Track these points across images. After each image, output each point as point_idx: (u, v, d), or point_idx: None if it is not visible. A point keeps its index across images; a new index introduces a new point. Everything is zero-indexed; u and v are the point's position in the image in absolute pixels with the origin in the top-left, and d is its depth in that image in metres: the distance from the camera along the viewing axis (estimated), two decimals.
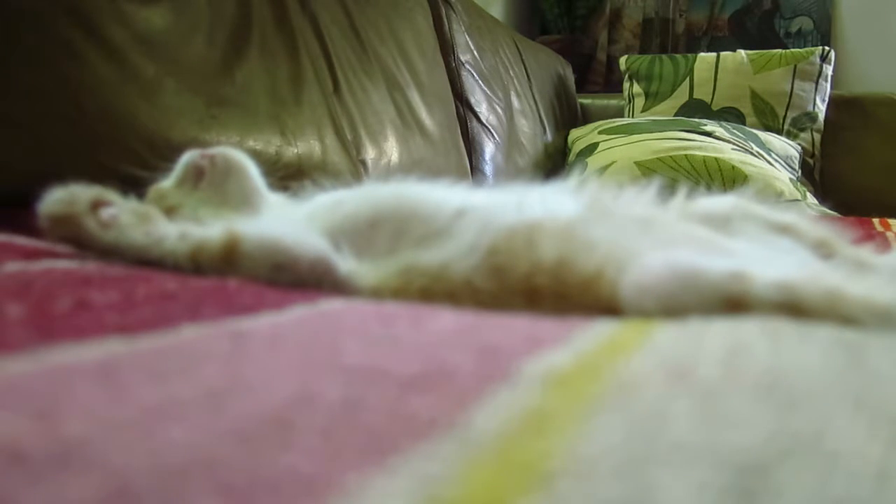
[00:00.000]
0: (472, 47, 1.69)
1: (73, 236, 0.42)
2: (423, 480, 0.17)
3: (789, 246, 0.48)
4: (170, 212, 0.48)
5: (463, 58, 1.64)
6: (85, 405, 0.20)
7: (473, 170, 1.55)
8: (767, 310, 0.34)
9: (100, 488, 0.16)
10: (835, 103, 2.06)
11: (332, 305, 0.36)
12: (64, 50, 0.69)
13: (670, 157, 1.64)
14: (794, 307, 0.34)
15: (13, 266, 0.39)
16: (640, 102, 2.16)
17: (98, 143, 0.70)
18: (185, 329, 0.29)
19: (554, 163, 1.92)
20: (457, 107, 1.56)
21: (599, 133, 1.86)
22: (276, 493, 0.16)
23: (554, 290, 0.39)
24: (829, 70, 2.04)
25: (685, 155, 1.63)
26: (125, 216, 0.42)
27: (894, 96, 2.07)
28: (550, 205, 0.46)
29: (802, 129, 2.01)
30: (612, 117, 2.06)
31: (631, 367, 0.26)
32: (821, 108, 2.04)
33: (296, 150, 0.94)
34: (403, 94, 1.30)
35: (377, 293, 0.41)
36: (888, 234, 1.11)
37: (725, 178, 1.57)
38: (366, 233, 0.45)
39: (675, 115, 2.06)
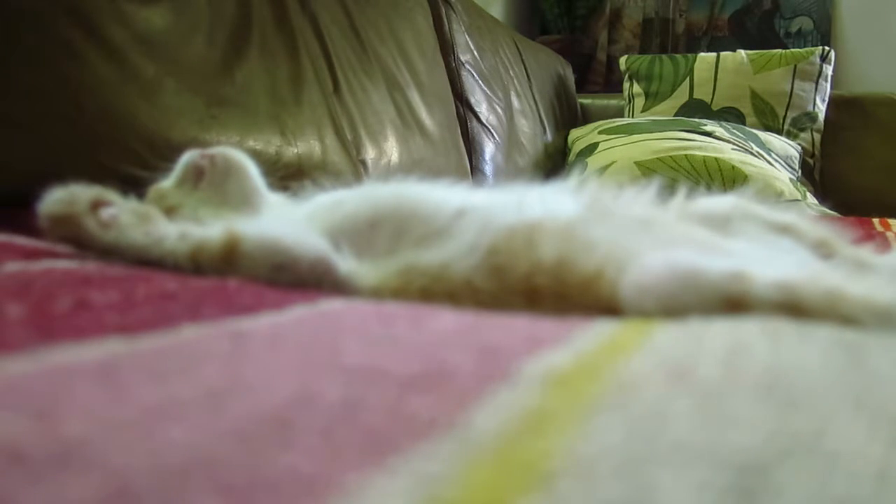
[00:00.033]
0: (472, 47, 1.69)
1: (73, 236, 0.42)
2: (423, 480, 0.17)
3: (789, 246, 0.48)
4: (170, 212, 0.48)
5: (463, 58, 1.64)
6: (85, 405, 0.20)
7: (473, 170, 1.55)
8: (767, 310, 0.34)
9: (100, 488, 0.16)
10: (835, 103, 2.06)
11: (332, 305, 0.36)
12: (64, 50, 0.69)
13: (670, 157, 1.64)
14: (794, 307, 0.34)
15: (13, 266, 0.39)
16: (640, 102, 2.16)
17: (98, 143, 0.70)
18: (185, 329, 0.29)
19: (554, 163, 1.92)
20: (457, 107, 1.56)
21: (599, 133, 1.86)
22: (276, 493, 0.16)
23: (554, 290, 0.39)
24: (829, 70, 2.04)
25: (685, 155, 1.63)
26: (125, 216, 0.42)
27: (894, 96, 2.07)
28: (550, 205, 0.46)
29: (802, 129, 2.01)
30: (612, 117, 2.06)
31: (631, 367, 0.26)
32: (821, 108, 2.04)
33: (296, 150, 0.94)
34: (403, 94, 1.30)
35: (377, 293, 0.41)
36: (888, 234, 1.11)
37: (725, 178, 1.58)
38: (366, 233, 0.45)
39: (675, 115, 2.06)
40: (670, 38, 2.63)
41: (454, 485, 0.17)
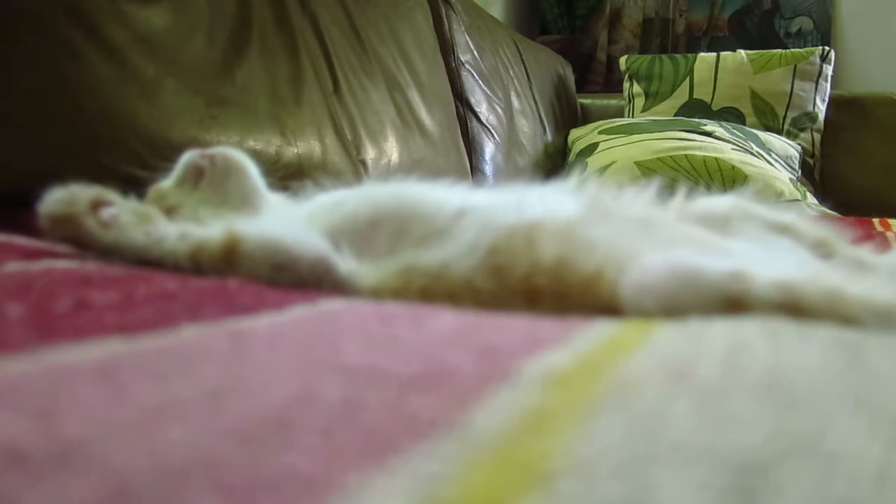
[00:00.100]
0: (472, 47, 1.69)
1: (73, 236, 0.42)
2: (423, 480, 0.17)
3: (789, 246, 0.48)
4: (170, 212, 0.48)
5: (463, 58, 1.64)
6: (85, 405, 0.20)
7: (473, 170, 1.55)
8: (767, 310, 0.34)
9: (100, 488, 0.16)
10: (835, 103, 2.06)
11: (332, 305, 0.36)
12: (64, 50, 0.69)
13: (670, 157, 1.64)
14: (793, 307, 0.34)
15: (13, 266, 0.39)
16: (640, 102, 2.16)
17: (98, 143, 0.70)
18: (185, 329, 0.29)
19: (554, 163, 1.92)
20: (457, 107, 1.56)
21: (599, 133, 1.86)
22: (276, 493, 0.16)
23: (554, 290, 0.39)
24: (829, 70, 2.04)
25: (685, 155, 1.63)
26: (125, 216, 0.42)
27: (894, 96, 2.07)
28: (550, 205, 0.46)
29: (802, 129, 2.01)
30: (612, 117, 2.06)
31: (631, 367, 0.26)
32: (821, 108, 2.04)
33: (296, 150, 0.94)
34: (403, 94, 1.30)
35: (377, 293, 0.41)
36: (888, 234, 1.11)
37: (725, 178, 1.58)
38: (366, 233, 0.45)
39: (675, 115, 2.06)
40: (670, 38, 2.63)
41: (454, 485, 0.17)
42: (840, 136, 2.03)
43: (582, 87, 2.51)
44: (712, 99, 2.06)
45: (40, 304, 0.31)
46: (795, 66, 2.02)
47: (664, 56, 2.21)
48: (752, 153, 1.70)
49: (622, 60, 2.25)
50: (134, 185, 0.49)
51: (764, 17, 2.54)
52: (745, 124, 1.95)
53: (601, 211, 0.45)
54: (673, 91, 2.11)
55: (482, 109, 1.64)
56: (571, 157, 1.90)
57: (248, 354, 0.27)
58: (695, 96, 2.09)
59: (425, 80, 1.40)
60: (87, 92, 0.69)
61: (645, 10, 2.67)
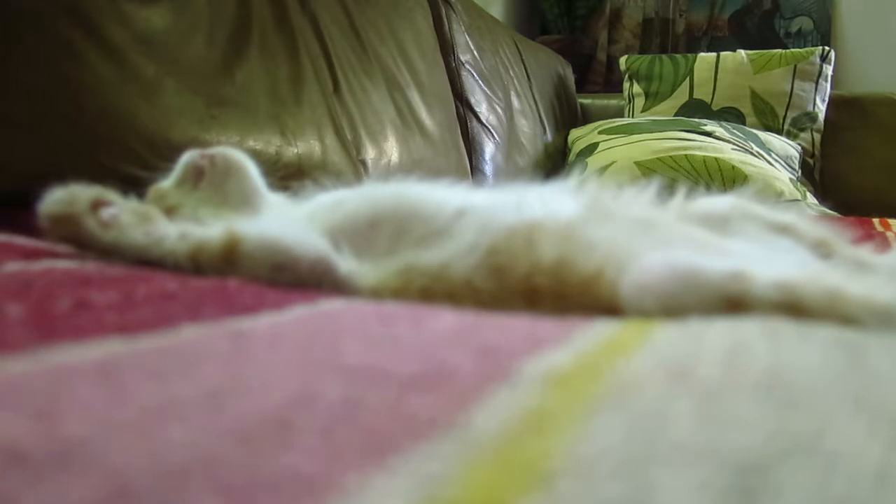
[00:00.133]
0: (472, 47, 1.69)
1: (73, 236, 0.42)
2: (423, 480, 0.17)
3: (789, 246, 0.48)
4: (170, 212, 0.48)
5: (463, 58, 1.64)
6: (85, 405, 0.20)
7: (473, 170, 1.55)
8: (767, 310, 0.34)
9: (100, 488, 0.16)
10: (835, 103, 2.06)
11: (332, 305, 0.36)
12: (64, 50, 0.69)
13: (670, 157, 1.64)
14: (793, 307, 0.34)
15: (13, 266, 0.39)
16: (640, 102, 2.16)
17: (98, 143, 0.70)
18: (185, 329, 0.29)
19: (554, 163, 1.92)
20: (457, 107, 1.56)
21: (599, 133, 1.86)
22: (276, 493, 0.16)
23: (554, 290, 0.39)
24: (829, 70, 2.04)
25: (685, 155, 1.63)
26: (125, 216, 0.42)
27: (894, 96, 2.07)
28: (550, 205, 0.46)
29: (802, 129, 2.01)
30: (612, 117, 2.06)
31: (631, 367, 0.26)
32: (821, 108, 2.04)
33: (296, 150, 0.94)
34: (403, 94, 1.30)
35: (377, 293, 0.41)
36: (888, 234, 1.11)
37: (725, 178, 1.58)
38: (366, 233, 0.45)
39: (675, 115, 2.06)
40: (670, 38, 2.63)
41: (454, 485, 0.17)
42: (840, 136, 2.03)
43: (582, 87, 2.51)
44: (712, 99, 2.06)
45: (40, 304, 0.31)
46: (795, 66, 2.02)
47: (664, 56, 2.21)
48: (752, 153, 1.70)
49: (622, 60, 2.25)
50: (134, 185, 0.49)
51: (764, 17, 2.54)
52: (745, 124, 1.95)
53: (601, 211, 0.45)
54: (673, 91, 2.11)
55: (482, 109, 1.64)
56: (571, 157, 1.90)
57: (248, 354, 0.27)
58: (695, 96, 2.09)
59: (425, 80, 1.40)
60: (87, 92, 0.69)
61: (645, 10, 2.67)
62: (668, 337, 0.30)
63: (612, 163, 1.69)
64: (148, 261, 0.41)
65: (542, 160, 1.86)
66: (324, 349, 0.28)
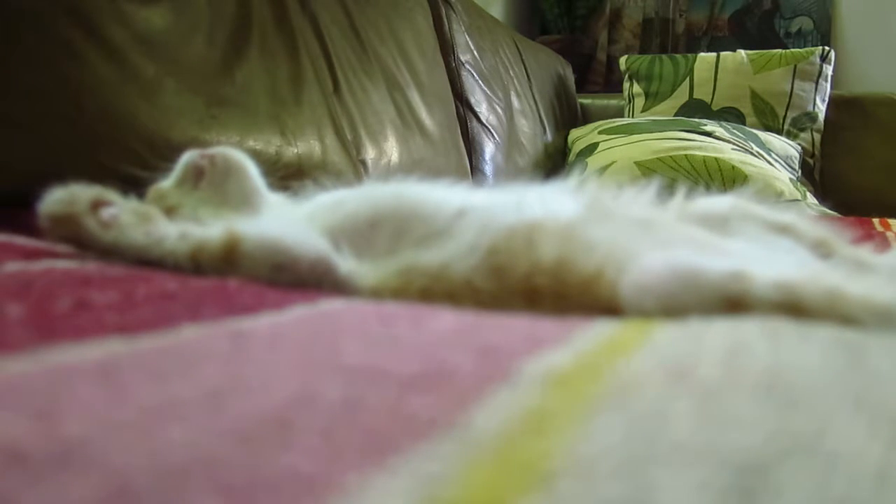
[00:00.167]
0: (472, 47, 1.69)
1: (74, 236, 0.42)
2: (423, 480, 0.17)
3: (788, 246, 0.48)
4: (170, 212, 0.48)
5: (463, 58, 1.64)
6: (85, 405, 0.20)
7: (473, 170, 1.55)
8: (767, 309, 0.34)
9: (100, 488, 0.16)
10: (835, 103, 2.06)
11: (332, 305, 0.36)
12: (64, 50, 0.69)
13: (670, 157, 1.64)
14: (793, 307, 0.34)
15: (13, 266, 0.39)
16: (640, 102, 2.16)
17: (98, 143, 0.70)
18: (185, 329, 0.29)
19: (554, 163, 1.92)
20: (457, 107, 1.56)
21: (599, 133, 1.86)
22: (276, 493, 0.16)
23: (554, 290, 0.39)
24: (829, 70, 2.04)
25: (685, 155, 1.63)
26: (125, 216, 0.42)
27: (894, 96, 2.07)
28: (550, 205, 0.46)
29: (802, 129, 2.01)
30: (612, 117, 2.06)
31: (631, 367, 0.26)
32: (821, 108, 2.04)
33: (296, 150, 0.94)
34: (403, 94, 1.30)
35: (377, 293, 0.41)
36: (888, 234, 1.11)
37: (725, 178, 1.58)
38: (366, 233, 0.45)
39: (675, 115, 2.06)
40: (670, 38, 2.63)
41: (454, 485, 0.17)
42: (840, 136, 2.03)
43: (582, 87, 2.51)
44: (712, 99, 2.06)
45: (40, 304, 0.31)
46: (795, 66, 2.02)
47: (664, 56, 2.21)
48: (752, 153, 1.70)
49: (622, 60, 2.25)
50: (134, 185, 0.49)
51: (764, 17, 2.55)
52: (745, 124, 1.95)
53: (601, 211, 0.45)
54: (673, 91, 2.11)
55: (482, 109, 1.64)
56: (571, 157, 1.90)
57: (248, 354, 0.27)
58: (695, 96, 2.09)
59: (425, 80, 1.40)
60: (87, 92, 0.69)
61: (645, 10, 2.67)
62: (668, 337, 0.30)
63: (612, 163, 1.69)
64: (148, 261, 0.41)
65: (542, 160, 1.86)
66: (324, 349, 0.28)
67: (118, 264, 0.41)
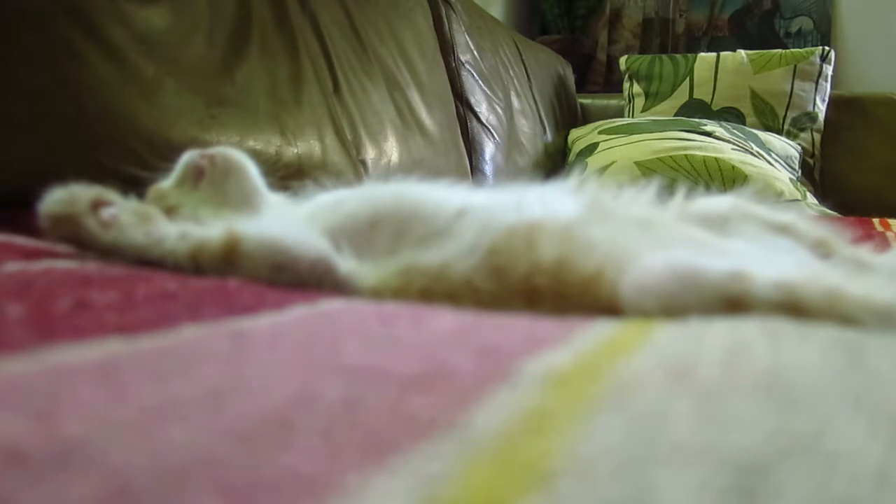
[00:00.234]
0: (472, 47, 1.69)
1: (74, 236, 0.42)
2: (423, 480, 0.17)
3: (788, 246, 0.48)
4: (170, 212, 0.48)
5: (463, 58, 1.64)
6: (85, 405, 0.20)
7: (473, 170, 1.55)
8: (767, 309, 0.34)
9: (100, 488, 0.16)
10: (835, 103, 2.06)
11: (332, 305, 0.36)
12: (64, 50, 0.69)
13: (670, 157, 1.64)
14: (793, 307, 0.34)
15: (13, 266, 0.39)
16: (640, 102, 2.16)
17: (98, 143, 0.70)
18: (185, 329, 0.29)
19: (554, 163, 1.92)
20: (457, 107, 1.56)
21: (599, 133, 1.86)
22: (276, 493, 0.16)
23: (554, 290, 0.39)
24: (829, 70, 2.04)
25: (685, 155, 1.63)
26: (125, 216, 0.42)
27: (894, 96, 2.07)
28: (550, 205, 0.46)
29: (802, 129, 2.01)
30: (612, 117, 2.06)
31: (631, 367, 0.26)
32: (821, 108, 2.04)
33: (296, 150, 0.94)
34: (403, 94, 1.30)
35: (377, 293, 0.41)
36: (888, 234, 1.11)
37: (725, 178, 1.58)
38: (366, 233, 0.45)
39: (675, 115, 2.06)
40: (670, 38, 2.63)
41: (454, 485, 0.17)
42: (840, 136, 2.03)
43: (582, 87, 2.51)
44: (712, 99, 2.06)
45: (40, 304, 0.31)
46: (795, 66, 2.02)
47: (664, 56, 2.21)
48: (752, 153, 1.70)
49: (622, 60, 2.25)
50: (134, 185, 0.49)
51: (764, 17, 2.55)
52: (745, 124, 1.95)
53: (601, 211, 0.45)
54: (673, 91, 2.11)
55: (482, 109, 1.64)
56: (571, 157, 1.90)
57: (248, 354, 0.27)
58: (695, 96, 2.09)
59: (425, 80, 1.40)
60: (87, 92, 0.69)
61: (645, 10, 2.67)
62: (668, 337, 0.30)
63: (612, 163, 1.69)
64: (148, 261, 0.41)
65: (542, 160, 1.86)
66: (324, 349, 0.28)
67: (118, 264, 0.41)
